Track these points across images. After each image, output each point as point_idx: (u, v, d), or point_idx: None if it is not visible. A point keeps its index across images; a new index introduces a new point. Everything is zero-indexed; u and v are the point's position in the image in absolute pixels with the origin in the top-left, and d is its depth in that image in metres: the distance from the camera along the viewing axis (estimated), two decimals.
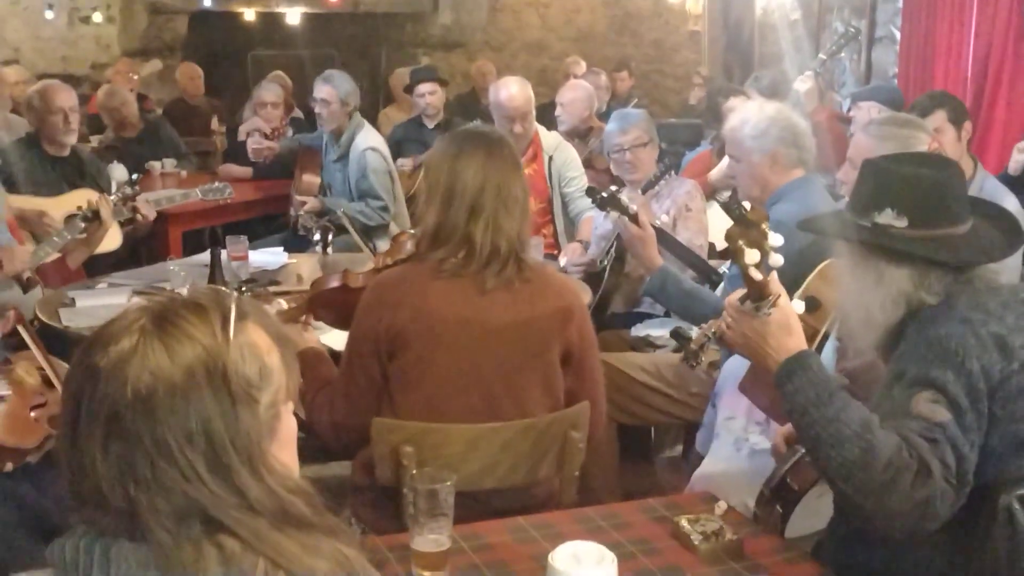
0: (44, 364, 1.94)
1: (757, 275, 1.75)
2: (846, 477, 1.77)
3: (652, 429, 4.03)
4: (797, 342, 1.86)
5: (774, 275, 1.79)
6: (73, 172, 4.62)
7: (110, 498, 1.05)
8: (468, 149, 2.41)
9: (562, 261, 4.30)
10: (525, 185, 2.48)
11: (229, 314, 1.10)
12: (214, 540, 1.05)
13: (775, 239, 1.73)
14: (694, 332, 2.68)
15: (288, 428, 1.17)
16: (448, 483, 1.80)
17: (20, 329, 1.88)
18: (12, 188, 4.31)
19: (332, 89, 5.04)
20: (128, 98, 6.55)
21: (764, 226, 1.72)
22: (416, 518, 1.78)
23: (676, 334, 2.75)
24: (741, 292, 1.87)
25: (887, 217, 1.87)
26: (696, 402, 3.40)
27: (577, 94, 5.66)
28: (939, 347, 1.79)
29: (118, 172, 5.66)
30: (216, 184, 4.40)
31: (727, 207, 1.73)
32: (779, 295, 1.81)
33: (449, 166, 2.40)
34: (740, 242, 1.72)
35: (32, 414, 1.91)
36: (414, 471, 1.87)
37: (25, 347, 1.96)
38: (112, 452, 1.05)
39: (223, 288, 0.97)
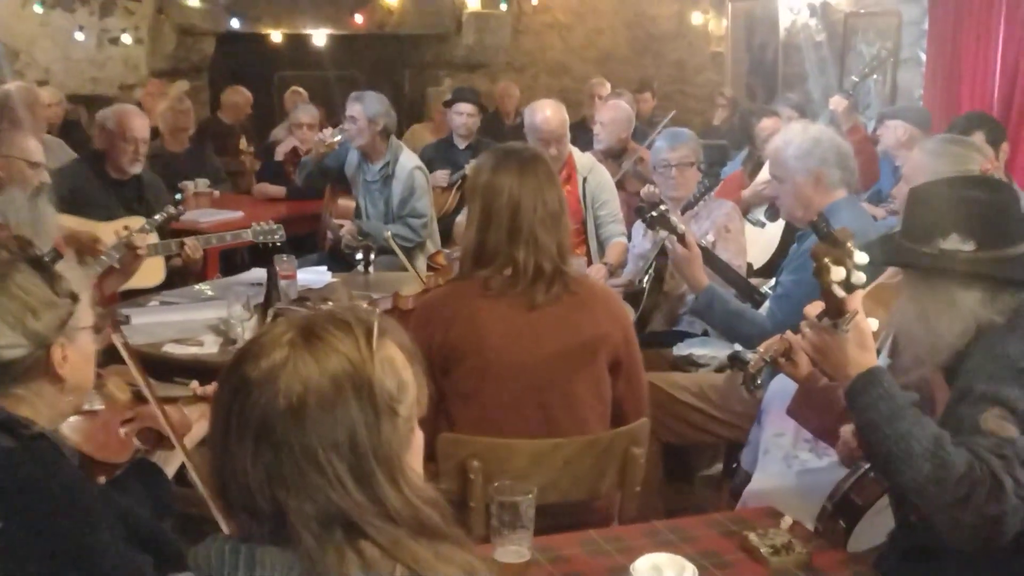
0: (139, 379, 1.98)
1: (840, 292, 1.79)
2: (919, 492, 1.81)
3: (691, 448, 4.06)
4: (870, 358, 1.90)
5: (858, 292, 1.83)
6: (132, 197, 4.61)
7: (259, 502, 1.10)
8: (502, 168, 2.47)
9: None
10: (563, 197, 2.54)
11: (373, 329, 1.15)
12: (355, 546, 1.09)
13: (860, 257, 1.77)
14: (750, 356, 2.73)
15: (419, 440, 1.22)
16: (530, 495, 1.85)
17: (117, 343, 1.93)
18: (65, 207, 4.34)
19: (361, 108, 5.17)
20: (192, 109, 6.64)
21: (850, 244, 1.76)
22: (499, 530, 1.83)
23: (735, 358, 2.80)
24: (819, 306, 1.91)
25: (953, 242, 1.91)
26: (740, 421, 3.43)
27: (618, 115, 5.72)
28: (1007, 365, 1.83)
29: None
30: (268, 225, 4.30)
31: (815, 225, 1.78)
32: (857, 312, 1.85)
33: (484, 186, 2.47)
34: (826, 259, 1.76)
35: (122, 430, 1.95)
36: (496, 484, 1.91)
37: (113, 361, 2.01)
38: (262, 459, 1.09)
39: (364, 305, 1.01)
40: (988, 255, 1.91)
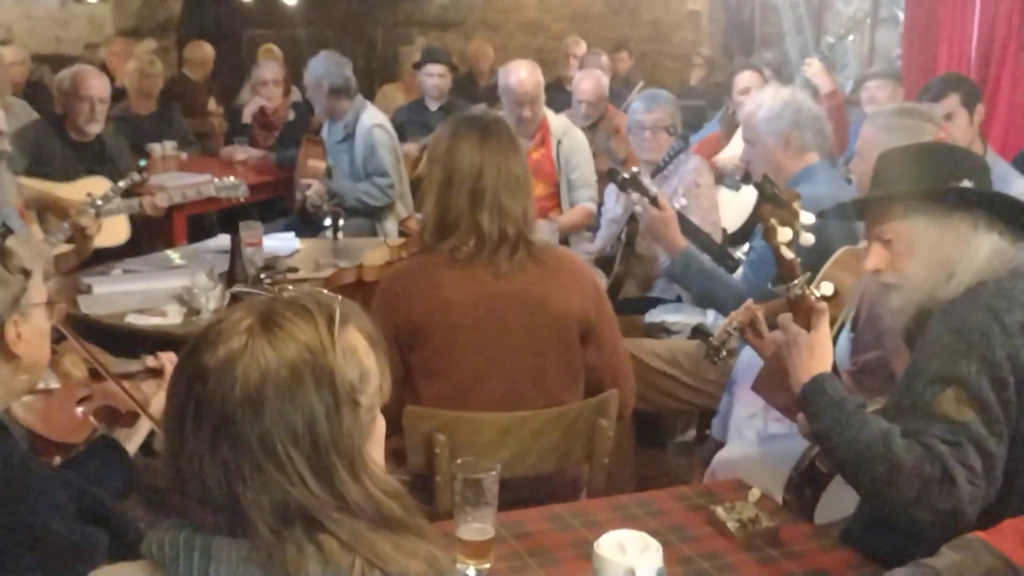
0: (88, 355, 1.93)
1: (788, 254, 1.75)
2: (874, 494, 1.80)
3: (663, 415, 4.05)
4: (818, 364, 1.86)
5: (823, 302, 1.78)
6: (93, 158, 4.54)
7: (215, 494, 1.06)
8: (462, 134, 2.42)
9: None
10: (524, 164, 2.48)
11: (334, 317, 1.11)
12: (314, 539, 1.06)
13: (806, 217, 1.73)
14: (715, 330, 2.71)
15: (381, 429, 1.18)
16: (493, 472, 1.81)
17: (59, 326, 1.88)
18: (26, 169, 4.25)
19: (307, 74, 5.20)
20: (161, 72, 6.55)
21: (796, 205, 1.73)
22: (462, 507, 1.79)
23: (698, 331, 2.77)
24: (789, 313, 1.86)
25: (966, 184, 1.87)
26: (712, 389, 3.41)
27: (601, 88, 5.69)
28: (963, 338, 1.79)
29: None
30: (230, 180, 4.23)
31: (760, 186, 1.74)
32: (807, 276, 1.81)
33: (445, 152, 2.41)
34: (772, 220, 1.72)
35: (79, 409, 1.91)
36: (459, 460, 1.88)
37: (66, 338, 1.95)
38: (219, 450, 1.06)
39: (325, 291, 0.97)
40: (1008, 200, 1.86)
